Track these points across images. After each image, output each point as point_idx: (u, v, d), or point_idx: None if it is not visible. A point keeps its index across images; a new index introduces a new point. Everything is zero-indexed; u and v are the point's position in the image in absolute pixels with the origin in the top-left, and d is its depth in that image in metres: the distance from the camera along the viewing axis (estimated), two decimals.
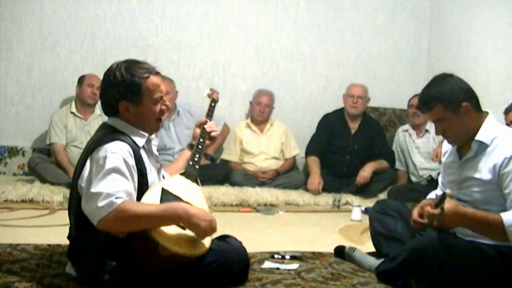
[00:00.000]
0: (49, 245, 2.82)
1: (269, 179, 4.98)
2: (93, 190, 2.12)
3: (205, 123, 2.69)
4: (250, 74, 5.51)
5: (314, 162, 5.00)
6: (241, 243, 2.44)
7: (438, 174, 2.89)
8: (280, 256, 2.86)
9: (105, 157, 2.17)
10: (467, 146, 2.46)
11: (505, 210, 2.31)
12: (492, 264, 2.31)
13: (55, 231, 3.26)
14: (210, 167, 4.87)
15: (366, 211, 4.01)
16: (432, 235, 2.32)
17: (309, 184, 4.82)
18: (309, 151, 5.13)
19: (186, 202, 2.31)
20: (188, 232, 2.23)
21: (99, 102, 2.56)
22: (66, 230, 2.39)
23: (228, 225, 3.54)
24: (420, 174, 4.87)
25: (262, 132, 5.22)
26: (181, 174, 2.49)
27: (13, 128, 5.09)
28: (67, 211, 2.39)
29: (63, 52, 5.12)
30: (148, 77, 2.31)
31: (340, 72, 5.68)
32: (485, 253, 2.33)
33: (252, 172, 5.02)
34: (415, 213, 2.45)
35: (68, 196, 2.45)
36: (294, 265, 2.73)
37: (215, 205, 4.26)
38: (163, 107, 2.38)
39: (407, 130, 5.07)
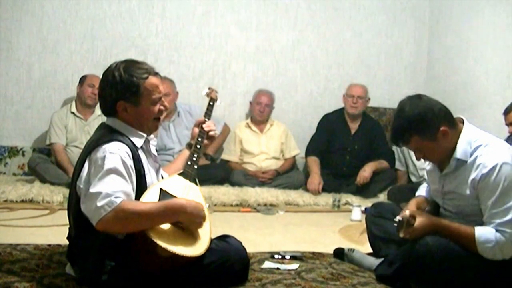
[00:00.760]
0: (49, 245, 2.82)
1: (269, 179, 4.98)
2: (92, 190, 2.12)
3: (204, 122, 2.68)
4: (250, 74, 5.51)
5: (314, 162, 5.00)
6: (241, 243, 2.44)
7: None
8: (280, 256, 2.86)
9: (103, 158, 2.17)
10: (446, 161, 2.42)
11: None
12: (489, 266, 2.31)
13: (55, 231, 3.26)
14: (210, 167, 4.87)
15: (366, 211, 4.00)
16: (428, 241, 2.32)
17: (309, 184, 4.82)
18: (309, 151, 5.13)
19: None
20: (187, 233, 2.24)
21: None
22: (66, 230, 2.39)
23: (228, 225, 3.54)
24: (420, 174, 4.86)
25: (262, 132, 5.22)
26: (180, 174, 2.48)
27: (13, 128, 5.09)
28: (66, 211, 2.39)
29: (63, 52, 5.12)
30: (146, 77, 2.30)
31: (340, 72, 5.68)
32: (481, 255, 2.32)
33: (252, 172, 5.02)
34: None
35: (68, 196, 2.45)
36: (294, 265, 2.73)
37: (215, 205, 4.26)
38: (162, 107, 2.37)
39: None
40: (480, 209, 2.34)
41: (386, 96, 5.71)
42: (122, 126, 2.32)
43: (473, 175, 2.32)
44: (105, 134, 2.29)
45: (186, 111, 5.07)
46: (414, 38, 5.85)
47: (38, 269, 2.45)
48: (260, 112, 5.17)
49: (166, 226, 2.21)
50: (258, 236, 3.48)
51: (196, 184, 2.50)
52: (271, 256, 2.87)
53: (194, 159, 2.56)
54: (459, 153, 2.36)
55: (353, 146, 5.09)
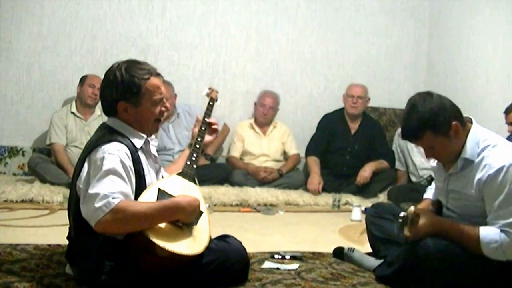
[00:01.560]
0: (49, 245, 2.82)
1: (270, 178, 4.94)
2: (90, 191, 2.12)
3: (203, 122, 2.68)
4: (250, 74, 5.51)
5: (314, 162, 5.00)
6: (241, 243, 2.44)
7: None
8: (280, 256, 2.86)
9: (102, 158, 2.17)
10: (453, 160, 2.40)
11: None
12: (489, 269, 2.30)
13: (55, 231, 3.26)
14: (210, 167, 4.87)
15: (366, 211, 4.00)
16: (428, 243, 2.31)
17: (309, 184, 4.82)
18: (309, 151, 5.12)
19: None
20: (185, 232, 2.24)
21: (100, 102, 2.56)
22: (66, 230, 2.39)
23: (228, 225, 3.54)
24: (420, 174, 4.86)
25: (264, 134, 5.20)
26: (178, 173, 2.48)
27: (13, 128, 5.09)
28: (66, 211, 2.39)
29: (63, 52, 5.12)
30: (148, 78, 2.30)
31: (340, 72, 5.67)
32: (480, 256, 2.31)
33: (254, 167, 4.99)
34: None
35: (68, 196, 2.45)
36: (294, 265, 2.73)
37: (215, 205, 4.26)
38: (163, 109, 2.37)
39: None
40: (484, 210, 2.33)
41: (386, 96, 5.71)
42: (122, 127, 2.32)
43: (479, 175, 2.31)
44: (105, 135, 2.29)
45: (185, 112, 5.07)
46: (414, 38, 5.85)
47: (38, 269, 2.44)
48: (264, 114, 5.15)
49: (164, 225, 2.21)
50: (258, 236, 3.47)
51: (195, 183, 2.50)
52: (271, 256, 2.87)
53: (194, 158, 2.55)
54: (467, 152, 2.35)
55: (353, 146, 5.08)
